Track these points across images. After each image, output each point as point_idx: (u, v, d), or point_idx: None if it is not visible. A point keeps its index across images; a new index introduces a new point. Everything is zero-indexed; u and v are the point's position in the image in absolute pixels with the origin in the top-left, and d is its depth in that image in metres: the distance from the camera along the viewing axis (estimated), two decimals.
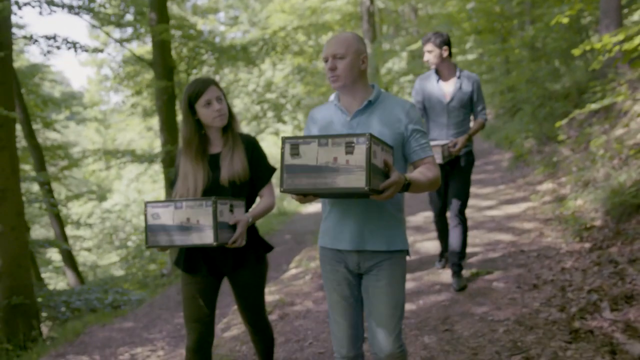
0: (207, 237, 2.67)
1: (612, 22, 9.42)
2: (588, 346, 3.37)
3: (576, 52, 5.39)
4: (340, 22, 24.42)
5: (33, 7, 8.67)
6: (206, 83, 2.91)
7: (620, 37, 5.18)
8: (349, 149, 2.12)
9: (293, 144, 2.22)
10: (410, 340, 3.89)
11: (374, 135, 2.13)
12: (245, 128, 27.51)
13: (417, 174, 2.43)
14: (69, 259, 16.30)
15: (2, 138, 8.58)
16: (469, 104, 4.84)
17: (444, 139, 4.81)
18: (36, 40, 9.47)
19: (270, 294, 5.53)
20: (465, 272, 5.21)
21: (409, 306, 4.60)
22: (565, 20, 5.02)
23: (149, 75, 20.05)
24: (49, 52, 9.81)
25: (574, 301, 4.09)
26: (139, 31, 16.24)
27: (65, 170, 20.67)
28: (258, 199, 3.07)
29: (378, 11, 25.14)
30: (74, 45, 9.93)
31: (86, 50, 10.23)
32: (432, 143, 4.69)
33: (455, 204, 4.87)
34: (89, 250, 24.22)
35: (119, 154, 16.19)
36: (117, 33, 21.83)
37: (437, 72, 4.88)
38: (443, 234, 5.34)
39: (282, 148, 2.23)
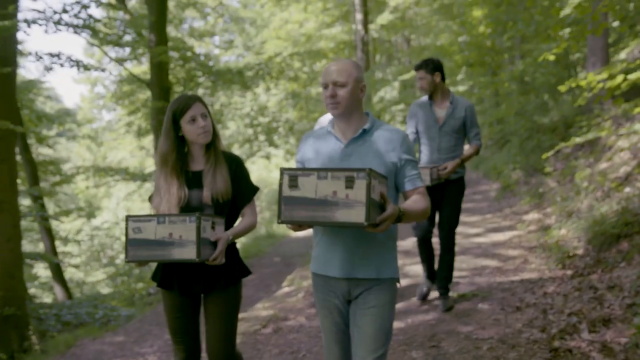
0: (189, 253, 2.64)
1: (598, 60, 9.80)
2: None
3: (562, 88, 5.67)
4: (334, 50, 24.86)
5: (40, 25, 8.91)
6: (191, 99, 2.88)
7: (604, 75, 5.47)
8: (349, 183, 2.15)
9: (292, 176, 2.24)
10: (398, 355, 4.10)
11: (373, 170, 2.17)
12: (237, 151, 27.79)
13: (410, 204, 2.47)
14: (58, 274, 16.33)
15: (1, 151, 8.75)
16: (462, 130, 4.91)
17: (435, 163, 4.87)
18: (41, 57, 9.71)
19: (264, 309, 5.71)
20: (452, 294, 5.41)
21: (397, 324, 4.80)
22: (552, 57, 5.30)
23: (143, 94, 20.32)
24: (51, 69, 10.07)
25: (554, 323, 4.31)
26: (137, 52, 16.53)
27: (57, 187, 20.78)
28: (240, 218, 3.03)
29: (372, 40, 25.59)
30: (76, 63, 10.19)
31: (88, 69, 10.49)
32: (421, 165, 4.89)
33: (445, 230, 4.93)
34: (76, 267, 24.20)
35: (112, 172, 16.37)
36: (113, 52, 22.11)
37: (431, 97, 4.96)
38: (426, 256, 5.26)
39: (281, 179, 2.25)
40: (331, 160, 2.56)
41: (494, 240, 7.70)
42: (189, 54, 15.14)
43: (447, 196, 4.92)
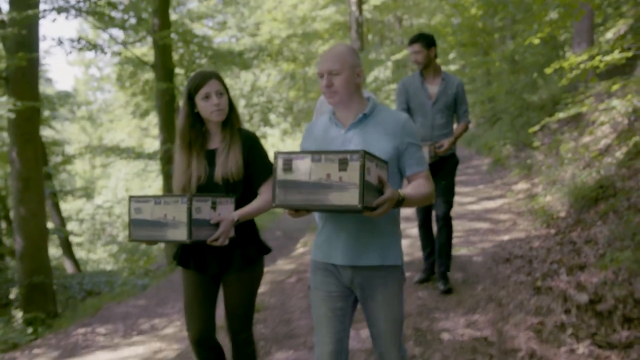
0: (180, 234, 2.64)
1: (583, 41, 10.48)
2: (547, 297, 4.33)
3: (548, 70, 6.33)
4: (329, 31, 25.37)
5: (59, 13, 9.48)
6: (207, 76, 2.84)
7: (585, 57, 6.16)
8: (343, 165, 2.10)
9: (286, 159, 2.21)
10: (407, 293, 4.83)
11: (368, 152, 2.12)
12: None
13: (412, 189, 2.43)
14: (68, 249, 17.02)
15: (28, 131, 9.39)
16: (453, 106, 4.93)
17: (429, 140, 4.84)
18: (62, 42, 10.30)
19: (286, 265, 6.44)
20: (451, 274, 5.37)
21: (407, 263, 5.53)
22: (536, 41, 5.95)
23: (145, 76, 20.88)
24: (70, 52, 10.66)
25: (538, 269, 5.05)
26: (141, 35, 17.06)
27: (60, 167, 21.37)
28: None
29: (365, 21, 26.13)
30: (94, 47, 10.79)
31: (104, 53, 11.09)
32: None
33: (441, 205, 4.92)
34: (79, 245, 24.88)
35: (118, 151, 16.96)
36: (106, 35, 22.48)
37: (422, 73, 4.93)
38: (427, 245, 5.22)
39: (275, 163, 2.22)
40: (331, 146, 2.54)
41: (486, 207, 8.44)
42: (195, 40, 15.65)
43: (442, 172, 4.90)
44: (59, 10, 9.16)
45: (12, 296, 11.57)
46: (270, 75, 26.36)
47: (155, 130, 28.22)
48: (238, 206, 2.85)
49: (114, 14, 15.45)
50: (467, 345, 3.75)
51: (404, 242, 6.88)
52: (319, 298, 2.60)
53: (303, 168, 2.17)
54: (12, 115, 7.67)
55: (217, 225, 2.74)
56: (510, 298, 4.47)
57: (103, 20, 14.85)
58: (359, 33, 23.16)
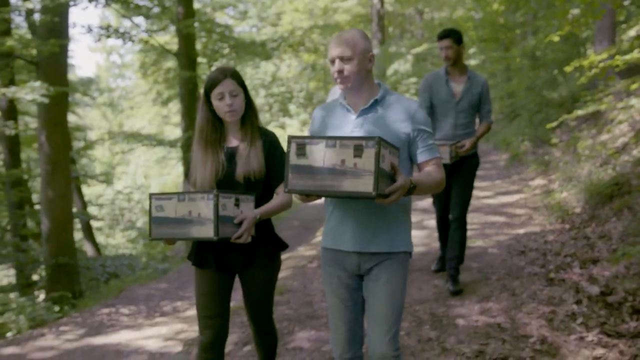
0: (207, 231, 2.61)
1: (605, 38, 10.52)
2: (559, 288, 4.49)
3: (568, 68, 6.43)
4: (350, 23, 25.45)
5: (90, 1, 9.74)
6: (222, 75, 2.81)
7: (604, 55, 6.26)
8: (358, 152, 2.09)
9: (299, 144, 2.19)
10: (424, 281, 5.02)
11: (382, 139, 2.12)
12: None
13: (423, 176, 2.43)
14: (89, 232, 17.37)
15: (57, 115, 9.66)
16: (477, 105, 4.81)
17: (451, 139, 4.71)
18: (91, 30, 10.55)
19: (306, 251, 6.64)
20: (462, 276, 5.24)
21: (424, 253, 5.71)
22: (556, 38, 6.06)
23: (168, 64, 21.14)
24: (99, 40, 10.92)
25: (552, 262, 5.20)
26: (164, 23, 17.30)
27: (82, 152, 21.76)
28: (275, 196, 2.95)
29: (386, 13, 26.19)
30: (122, 35, 11.04)
31: (132, 41, 11.33)
32: (439, 142, 4.63)
33: (456, 207, 4.82)
34: (99, 229, 25.30)
35: (140, 137, 17.25)
36: (127, 22, 22.73)
37: (447, 71, 4.81)
38: (444, 236, 5.15)
39: (288, 147, 2.20)
40: (342, 132, 2.54)
41: (503, 201, 8.58)
42: (218, 29, 15.86)
43: (461, 172, 4.79)
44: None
45: (35, 277, 11.93)
46: (291, 65, 26.54)
47: (176, 118, 28.57)
48: (257, 204, 2.85)
49: (140, 2, 15.74)
50: (480, 331, 3.93)
51: (422, 233, 7.05)
52: (329, 289, 2.63)
53: (317, 153, 2.15)
54: (46, 100, 7.92)
55: (239, 222, 2.73)
56: (524, 288, 4.63)
57: (129, 8, 15.14)
58: (380, 26, 23.25)
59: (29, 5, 8.98)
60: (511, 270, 5.15)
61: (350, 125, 2.53)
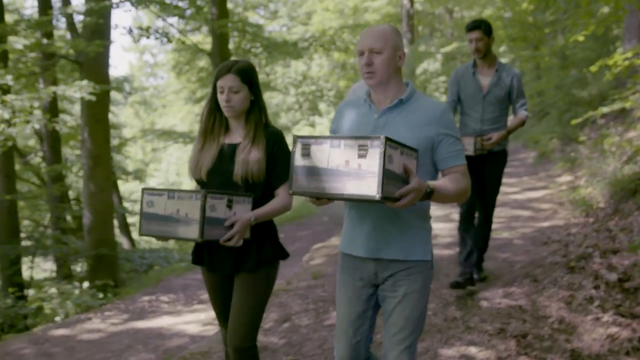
0: (192, 232, 2.50)
1: (633, 37, 10.63)
2: (579, 275, 4.74)
3: (593, 68, 6.64)
4: (380, 23, 25.66)
5: (133, 5, 10.19)
6: (223, 70, 2.73)
7: (629, 54, 6.46)
8: (362, 152, 1.98)
9: (304, 144, 2.11)
10: (450, 268, 5.31)
11: (390, 138, 2.00)
12: (282, 119, 29.06)
13: (444, 182, 2.30)
14: (125, 226, 17.92)
15: (99, 112, 10.13)
16: (507, 99, 4.64)
17: (477, 134, 4.60)
18: (131, 30, 11.01)
19: (338, 241, 6.94)
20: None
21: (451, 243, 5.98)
22: (581, 38, 6.28)
23: (201, 63, 21.65)
24: (138, 41, 11.38)
25: (573, 252, 5.44)
26: (198, 23, 17.79)
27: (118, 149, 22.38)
28: None
29: (415, 13, 26.38)
30: (161, 35, 11.48)
31: (170, 41, 11.78)
32: (463, 135, 4.60)
33: (483, 203, 4.77)
34: (132, 225, 25.92)
35: (175, 135, 17.77)
36: (160, 22, 23.28)
37: (475, 63, 4.69)
38: (464, 242, 4.83)
39: (294, 147, 2.14)
40: (363, 131, 2.42)
41: (529, 197, 8.79)
42: (250, 29, 16.25)
43: (488, 168, 4.68)
44: (137, 2, 9.84)
45: (76, 269, 12.43)
46: (321, 64, 26.89)
47: None
48: (257, 206, 2.72)
49: (175, 3, 16.22)
50: (503, 312, 4.21)
51: (449, 225, 7.31)
52: (342, 297, 2.52)
53: (321, 154, 2.06)
54: (93, 98, 8.36)
55: (231, 225, 2.61)
56: (545, 275, 4.89)
57: (166, 9, 15.62)
58: (409, 25, 23.44)
59: (76, 9, 9.43)
60: (534, 259, 5.41)
61: (371, 124, 2.41)
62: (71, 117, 17.14)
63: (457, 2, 26.60)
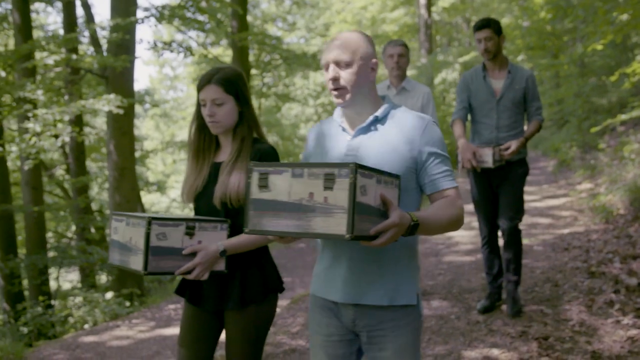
0: (137, 263, 2.18)
1: None
2: (600, 280, 4.83)
3: (613, 78, 6.73)
4: (398, 33, 25.86)
5: (158, 21, 10.46)
6: (205, 80, 2.40)
7: None
8: (328, 182, 1.66)
9: (262, 173, 1.79)
10: (472, 274, 5.41)
11: (361, 165, 1.68)
12: (301, 130, 29.28)
13: (432, 211, 1.93)
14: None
15: (124, 125, 10.35)
16: (522, 103, 4.27)
17: (493, 143, 4.23)
18: (155, 45, 11.28)
19: None
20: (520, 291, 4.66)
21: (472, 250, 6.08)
22: (599, 47, 6.37)
23: None
24: (162, 55, 11.66)
25: (594, 258, 5.52)
26: (217, 37, 18.07)
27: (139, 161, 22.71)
28: None
29: (433, 23, 26.49)
30: (185, 49, 11.75)
31: (192, 54, 12.04)
32: (480, 145, 4.21)
33: (507, 219, 4.28)
34: None
35: None
36: (179, 36, 23.62)
37: (484, 66, 4.32)
38: (491, 263, 4.48)
39: (249, 178, 1.81)
40: (333, 156, 2.07)
41: (549, 204, 8.86)
42: (273, 41, 16.49)
43: (508, 179, 4.27)
44: (160, 18, 10.10)
45: (100, 279, 12.65)
46: None
47: None
48: (236, 235, 2.37)
49: (196, 17, 16.53)
50: (524, 315, 4.31)
51: (470, 233, 7.42)
52: (316, 342, 2.15)
53: (282, 185, 1.74)
54: (121, 111, 8.59)
55: (194, 254, 2.25)
56: (566, 280, 4.99)
57: (187, 24, 15.92)
58: (427, 35, 23.56)
59: (101, 25, 9.71)
60: (555, 265, 5.50)
61: (344, 147, 2.05)
62: (94, 130, 17.48)
63: (475, 12, 26.69)
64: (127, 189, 10.54)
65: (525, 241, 6.58)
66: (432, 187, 2.01)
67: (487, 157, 4.08)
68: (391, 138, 2.00)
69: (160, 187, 32.24)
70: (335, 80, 2.00)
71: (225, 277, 2.37)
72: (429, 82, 22.54)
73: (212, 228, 2.31)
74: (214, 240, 2.31)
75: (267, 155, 2.40)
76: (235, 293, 2.36)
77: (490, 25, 4.19)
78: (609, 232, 6.50)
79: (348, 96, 2.02)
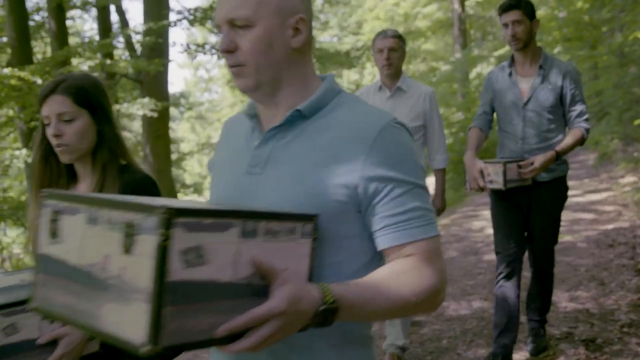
0: None
1: None
2: None
3: None
4: (431, 29, 25.63)
5: (189, 21, 10.52)
6: (48, 89, 1.76)
7: None
8: (128, 239, 0.87)
9: (55, 211, 1.03)
10: None
11: (188, 210, 0.87)
12: None
13: (374, 282, 1.09)
14: None
15: (160, 128, 10.45)
16: (558, 106, 3.30)
17: (518, 156, 3.30)
18: (189, 47, 11.34)
19: None
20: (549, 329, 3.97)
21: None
22: None
23: None
24: (195, 57, 11.75)
25: None
26: None
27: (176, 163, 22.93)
28: None
29: (467, 17, 26.13)
30: (217, 50, 11.79)
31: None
32: (490, 161, 3.25)
33: (537, 254, 3.43)
34: None
35: None
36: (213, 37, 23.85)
37: (513, 60, 3.40)
38: (502, 313, 3.36)
39: (39, 216, 1.08)
40: (235, 171, 1.26)
41: (591, 199, 8.63)
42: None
43: (537, 205, 3.32)
44: (192, 21, 10.16)
45: None
46: (373, 73, 26.98)
47: None
48: None
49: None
50: (569, 315, 4.17)
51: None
52: None
53: (73, 235, 0.98)
54: (155, 114, 8.65)
55: (55, 342, 1.57)
56: (612, 278, 4.82)
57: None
58: (461, 30, 23.26)
59: (135, 29, 9.79)
60: (599, 262, 5.32)
61: (246, 158, 1.25)
62: (132, 134, 17.67)
63: None
64: (164, 191, 10.61)
65: (568, 238, 6.41)
66: (385, 239, 1.14)
67: (496, 177, 3.11)
68: (319, 147, 1.17)
69: (197, 189, 32.48)
70: (230, 51, 1.17)
71: None
72: (463, 77, 22.25)
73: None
74: None
75: (141, 188, 1.77)
76: None
77: (520, 5, 3.21)
78: None
79: (250, 77, 1.18)
